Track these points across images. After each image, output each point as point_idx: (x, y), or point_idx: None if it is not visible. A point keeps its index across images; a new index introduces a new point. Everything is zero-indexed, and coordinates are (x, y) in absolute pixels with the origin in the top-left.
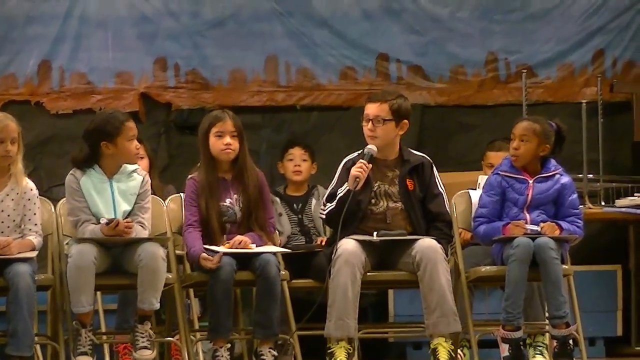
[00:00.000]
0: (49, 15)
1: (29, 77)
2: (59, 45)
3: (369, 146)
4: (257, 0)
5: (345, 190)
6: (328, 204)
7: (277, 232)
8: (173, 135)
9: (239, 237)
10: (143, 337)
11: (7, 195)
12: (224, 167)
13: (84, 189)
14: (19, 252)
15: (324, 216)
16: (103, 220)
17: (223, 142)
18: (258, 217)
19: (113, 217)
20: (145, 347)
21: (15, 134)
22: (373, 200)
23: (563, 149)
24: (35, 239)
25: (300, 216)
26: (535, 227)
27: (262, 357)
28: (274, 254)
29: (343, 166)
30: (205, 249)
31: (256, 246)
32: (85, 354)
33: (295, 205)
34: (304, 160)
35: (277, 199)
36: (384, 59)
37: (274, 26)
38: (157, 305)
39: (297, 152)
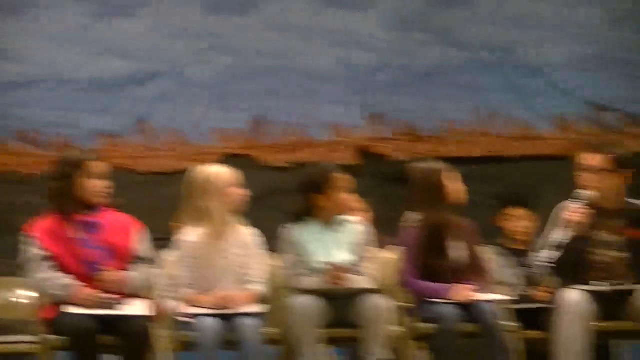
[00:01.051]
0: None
1: (245, 131)
2: (273, 98)
3: (587, 192)
4: (464, 51)
5: (565, 237)
6: (547, 252)
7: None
8: (388, 186)
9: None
10: None
11: (232, 245)
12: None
13: (300, 241)
14: (245, 306)
15: (544, 264)
16: (323, 264)
17: (459, 187)
18: (477, 261)
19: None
20: None
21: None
22: (595, 250)
23: None
24: (259, 288)
25: (522, 268)
26: None
27: None
28: (494, 302)
29: (560, 214)
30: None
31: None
32: None
33: (521, 259)
34: (524, 220)
35: (500, 252)
36: (599, 108)
37: (484, 77)
38: (384, 356)
39: (522, 213)
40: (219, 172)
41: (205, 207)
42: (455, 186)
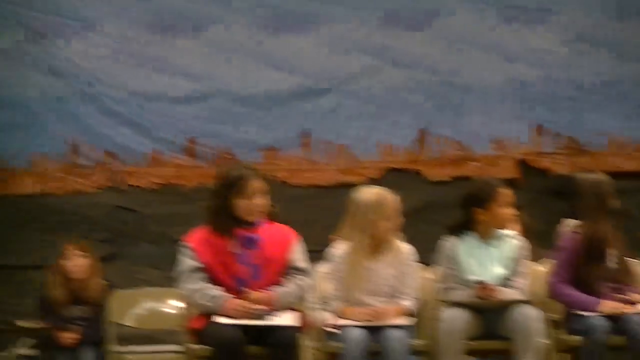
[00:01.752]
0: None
1: (409, 146)
2: (438, 113)
3: None
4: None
5: None
6: None
7: None
8: (550, 201)
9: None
10: None
11: (384, 262)
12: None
13: (458, 254)
14: (394, 319)
15: None
16: (473, 278)
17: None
18: (629, 272)
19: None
20: None
21: (397, 207)
22: None
23: None
24: (409, 303)
25: None
26: None
27: None
28: None
29: None
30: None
31: None
32: None
33: None
34: None
35: None
36: None
37: None
38: None
39: None
40: (388, 195)
41: (369, 225)
42: (616, 199)
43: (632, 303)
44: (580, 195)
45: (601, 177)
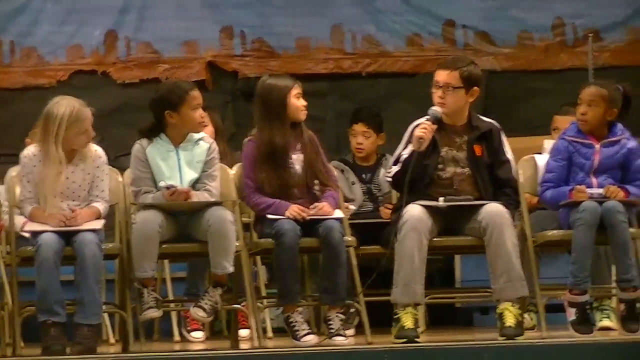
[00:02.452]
0: None
1: (96, 48)
2: (125, 15)
3: (433, 108)
4: None
5: (409, 152)
6: (394, 167)
7: (352, 201)
8: (239, 103)
9: (320, 205)
10: (209, 300)
11: (77, 165)
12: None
13: (150, 158)
14: (86, 222)
15: (390, 179)
16: (162, 184)
17: (303, 104)
18: (319, 172)
19: (179, 185)
20: (203, 309)
21: (91, 119)
22: (440, 166)
23: (629, 113)
24: (101, 206)
25: (369, 186)
26: (600, 192)
27: (330, 322)
28: (339, 220)
29: (410, 130)
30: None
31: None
32: (150, 308)
33: (364, 175)
34: (367, 136)
35: (348, 168)
36: (450, 25)
37: None
38: (231, 269)
39: (359, 129)
40: (83, 109)
41: (63, 138)
42: (298, 103)
43: (324, 206)
44: (258, 100)
45: (278, 81)
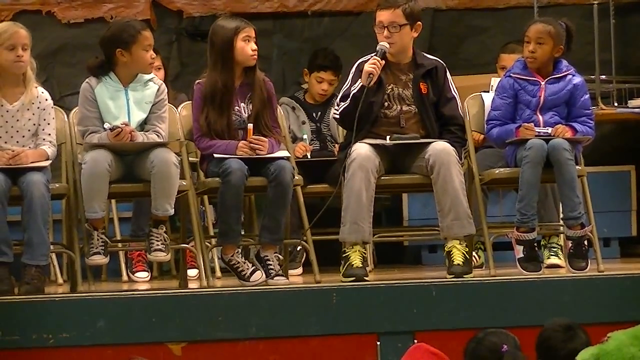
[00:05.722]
0: None
1: None
2: None
3: (381, 43)
4: None
5: (359, 87)
6: (342, 103)
7: (303, 139)
8: (184, 42)
9: (261, 138)
10: (158, 241)
11: (22, 105)
12: (237, 73)
13: (98, 97)
14: (33, 162)
15: (337, 115)
16: (107, 126)
17: (251, 47)
18: (266, 124)
19: (126, 123)
20: (160, 250)
21: (27, 41)
22: (386, 104)
23: (572, 49)
24: (49, 149)
25: (318, 125)
26: (546, 130)
27: (268, 261)
28: (289, 159)
29: (356, 67)
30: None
31: (272, 152)
32: (98, 253)
33: (314, 114)
34: (332, 84)
35: (299, 106)
36: None
37: None
38: (171, 211)
39: (327, 77)
40: (15, 27)
41: None
42: (246, 46)
43: (272, 146)
44: (208, 43)
45: (226, 23)
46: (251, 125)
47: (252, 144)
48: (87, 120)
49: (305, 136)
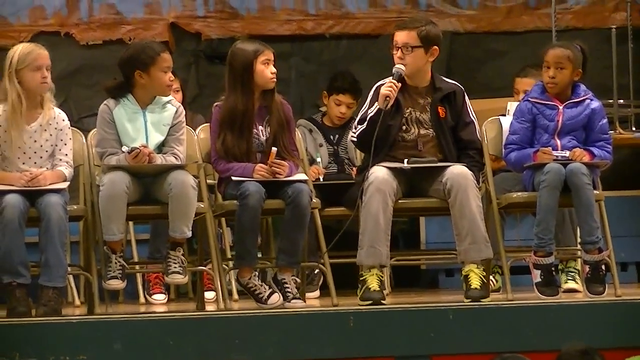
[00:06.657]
0: None
1: (58, 9)
2: None
3: (397, 66)
4: None
5: (376, 110)
6: (359, 126)
7: (316, 162)
8: (202, 65)
9: (281, 162)
10: (175, 263)
11: (40, 125)
12: (256, 96)
13: (116, 119)
14: (51, 184)
15: (355, 138)
16: (125, 149)
17: (271, 70)
18: (285, 147)
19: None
20: (177, 272)
21: (49, 62)
22: (404, 127)
23: (587, 71)
24: (66, 170)
25: (336, 147)
26: (564, 154)
27: (285, 284)
28: (306, 182)
29: (374, 90)
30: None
31: (290, 174)
32: (115, 278)
33: (332, 136)
34: (351, 107)
35: (316, 128)
36: None
37: None
38: (189, 234)
39: (345, 100)
40: (38, 49)
41: (10, 71)
42: (266, 69)
43: (290, 169)
44: (227, 65)
45: (246, 46)
46: (275, 149)
47: (273, 168)
48: (105, 142)
49: (319, 159)
